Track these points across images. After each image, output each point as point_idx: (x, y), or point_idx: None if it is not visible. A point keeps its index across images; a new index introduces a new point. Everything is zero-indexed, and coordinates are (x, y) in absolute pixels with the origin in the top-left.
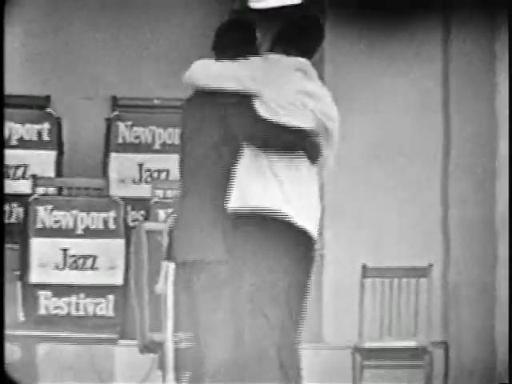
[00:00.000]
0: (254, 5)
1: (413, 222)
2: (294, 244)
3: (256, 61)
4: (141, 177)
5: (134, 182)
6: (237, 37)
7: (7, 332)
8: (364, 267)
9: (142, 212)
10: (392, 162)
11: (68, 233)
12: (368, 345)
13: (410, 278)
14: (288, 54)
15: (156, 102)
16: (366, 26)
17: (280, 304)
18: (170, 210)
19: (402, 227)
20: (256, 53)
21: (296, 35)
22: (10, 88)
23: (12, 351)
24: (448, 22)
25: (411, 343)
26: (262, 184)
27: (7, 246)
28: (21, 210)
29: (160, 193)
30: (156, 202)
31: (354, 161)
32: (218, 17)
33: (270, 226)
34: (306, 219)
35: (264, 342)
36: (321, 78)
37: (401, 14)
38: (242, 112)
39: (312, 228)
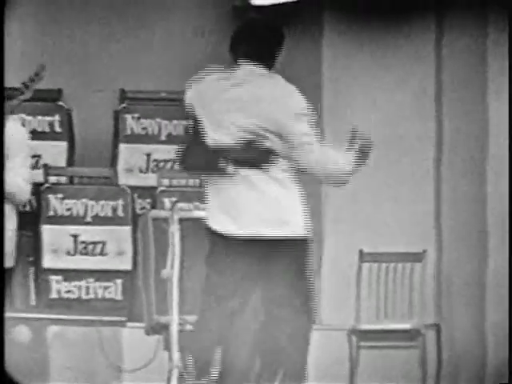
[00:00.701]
0: (254, 1)
1: (407, 211)
2: (288, 256)
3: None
4: (148, 166)
5: (141, 171)
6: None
7: (19, 315)
8: (361, 252)
9: (149, 200)
10: (388, 155)
11: (78, 220)
12: (364, 327)
13: (404, 262)
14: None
15: (162, 95)
16: (362, 25)
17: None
18: (174, 199)
19: (397, 215)
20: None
21: (244, 40)
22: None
23: (23, 333)
24: (441, 21)
25: (405, 325)
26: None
27: (21, 232)
28: (33, 198)
29: (166, 182)
30: (162, 191)
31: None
32: (224, 12)
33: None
34: (283, 225)
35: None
36: (319, 75)
37: (396, 13)
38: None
39: (293, 229)
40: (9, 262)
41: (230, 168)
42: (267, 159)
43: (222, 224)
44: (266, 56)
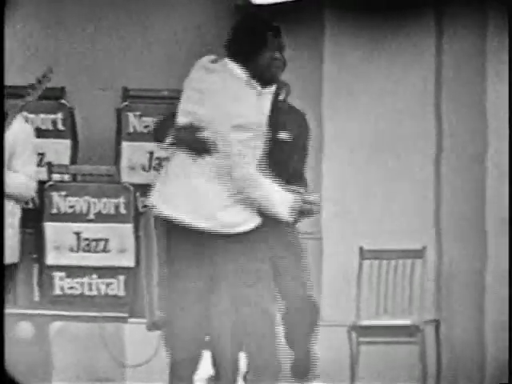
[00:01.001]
0: (255, 0)
1: (407, 208)
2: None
3: None
4: (150, 164)
5: (143, 169)
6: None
7: (22, 311)
8: (361, 249)
9: None
10: (388, 152)
11: (81, 217)
12: (364, 323)
13: (405, 259)
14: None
15: (164, 93)
16: (363, 23)
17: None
18: None
19: (397, 213)
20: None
21: (228, 35)
22: (26, 80)
23: (26, 329)
24: (440, 19)
25: (405, 321)
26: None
27: (24, 230)
28: (37, 195)
29: None
30: None
31: (353, 152)
32: (226, 11)
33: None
34: (209, 219)
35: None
36: (319, 73)
37: (396, 11)
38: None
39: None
40: (13, 258)
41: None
42: (205, 149)
43: (173, 210)
44: (238, 54)
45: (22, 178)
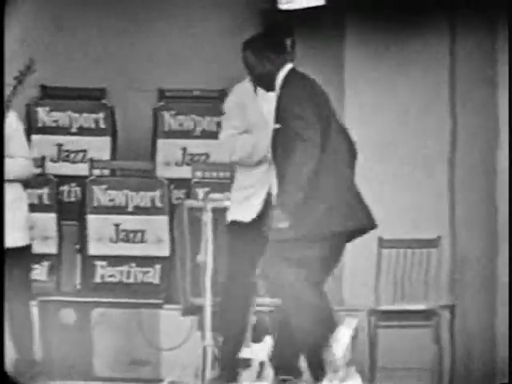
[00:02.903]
0: (281, 6)
1: (424, 202)
2: None
3: None
4: (183, 160)
5: (177, 164)
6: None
7: (65, 298)
8: (380, 239)
9: (184, 191)
10: (406, 149)
11: (120, 210)
12: (383, 308)
13: (421, 248)
14: None
15: (197, 93)
16: (381, 30)
17: None
18: (207, 189)
19: (414, 205)
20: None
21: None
22: (71, 82)
23: (69, 315)
24: (454, 26)
25: (421, 306)
26: None
27: (68, 222)
28: (79, 190)
29: (199, 174)
30: (196, 182)
31: (373, 149)
32: (255, 15)
33: None
34: None
35: None
36: (341, 76)
37: (412, 19)
38: None
39: None
40: (24, 240)
41: None
42: None
43: None
44: (257, 53)
45: (20, 160)
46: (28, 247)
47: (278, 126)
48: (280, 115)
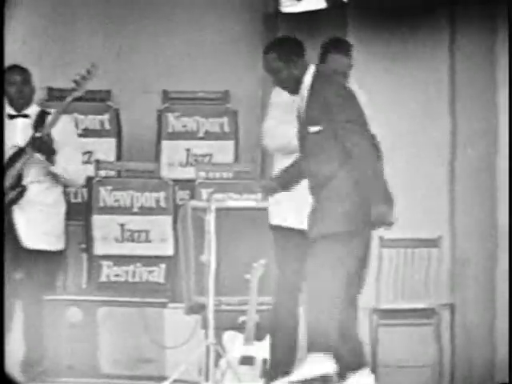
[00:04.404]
0: (284, 9)
1: (424, 202)
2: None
3: None
4: (187, 161)
5: (181, 165)
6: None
7: (72, 297)
8: (381, 239)
9: (188, 192)
10: (406, 150)
11: (125, 210)
12: (384, 306)
13: (421, 248)
14: None
15: (200, 94)
16: (383, 32)
17: None
18: (211, 190)
19: (414, 206)
20: None
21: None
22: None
23: (75, 314)
24: (454, 27)
25: (422, 305)
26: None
27: (74, 223)
28: (85, 190)
29: (203, 174)
30: (200, 183)
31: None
32: (261, 19)
33: None
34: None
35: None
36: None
37: (412, 22)
38: None
39: None
40: (59, 245)
41: None
42: None
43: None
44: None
45: (72, 168)
46: (61, 252)
47: (317, 128)
48: (318, 117)
